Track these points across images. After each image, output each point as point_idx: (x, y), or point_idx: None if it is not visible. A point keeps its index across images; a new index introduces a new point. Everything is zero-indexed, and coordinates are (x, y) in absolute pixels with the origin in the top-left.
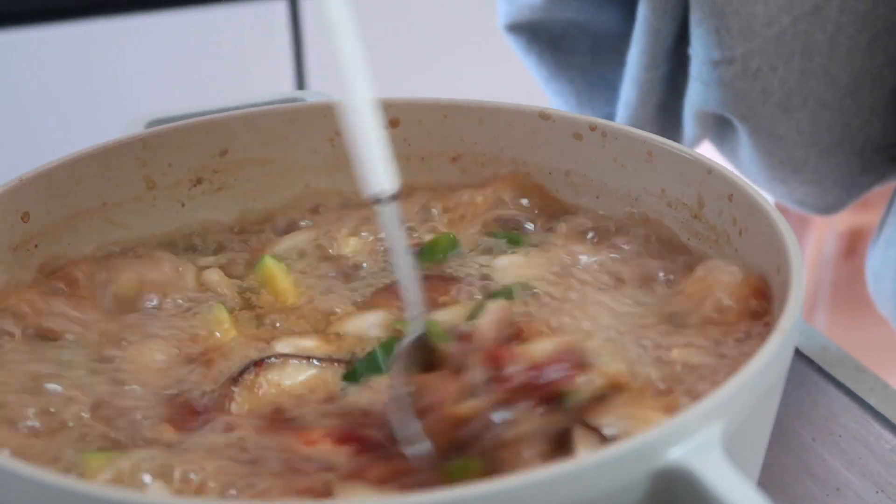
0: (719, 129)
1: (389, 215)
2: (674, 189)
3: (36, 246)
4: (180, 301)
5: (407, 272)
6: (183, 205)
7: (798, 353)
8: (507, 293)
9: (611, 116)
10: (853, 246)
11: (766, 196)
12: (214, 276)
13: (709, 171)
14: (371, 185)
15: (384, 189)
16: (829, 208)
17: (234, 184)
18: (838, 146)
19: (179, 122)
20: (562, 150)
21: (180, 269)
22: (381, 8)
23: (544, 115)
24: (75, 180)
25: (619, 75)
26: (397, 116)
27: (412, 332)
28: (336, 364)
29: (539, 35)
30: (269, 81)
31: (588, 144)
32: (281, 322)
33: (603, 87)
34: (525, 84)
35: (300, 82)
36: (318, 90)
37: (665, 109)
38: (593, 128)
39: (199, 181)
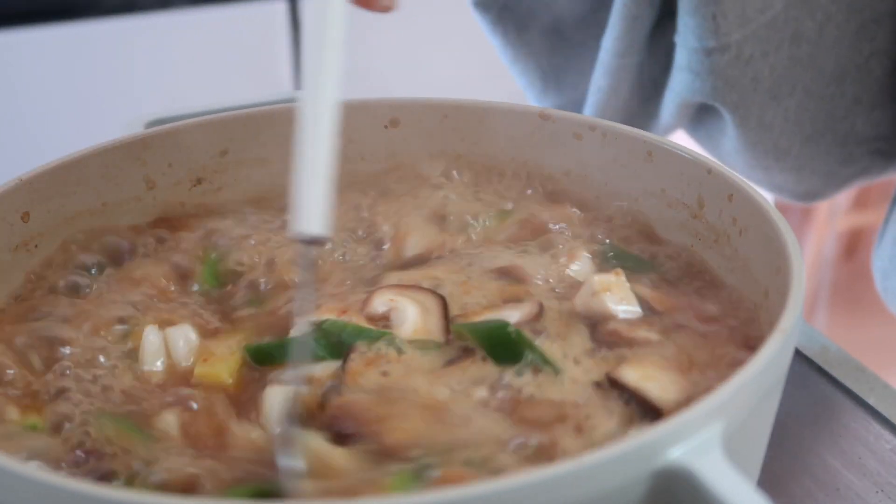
0: (697, 117)
1: (308, 257)
2: (674, 189)
3: (36, 246)
4: None
5: (304, 321)
6: (183, 205)
7: (798, 353)
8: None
9: (577, 101)
10: (853, 246)
11: (766, 195)
12: None
13: (709, 171)
14: (303, 222)
15: (316, 232)
16: (807, 196)
17: (234, 184)
18: (821, 135)
19: (179, 122)
20: (562, 150)
21: None
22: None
23: (544, 115)
24: (75, 180)
25: (584, 59)
26: (397, 116)
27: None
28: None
29: (505, 14)
30: (269, 81)
31: (588, 144)
32: None
33: (569, 70)
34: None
35: (300, 82)
36: None
37: (634, 97)
38: (593, 128)
39: (199, 181)
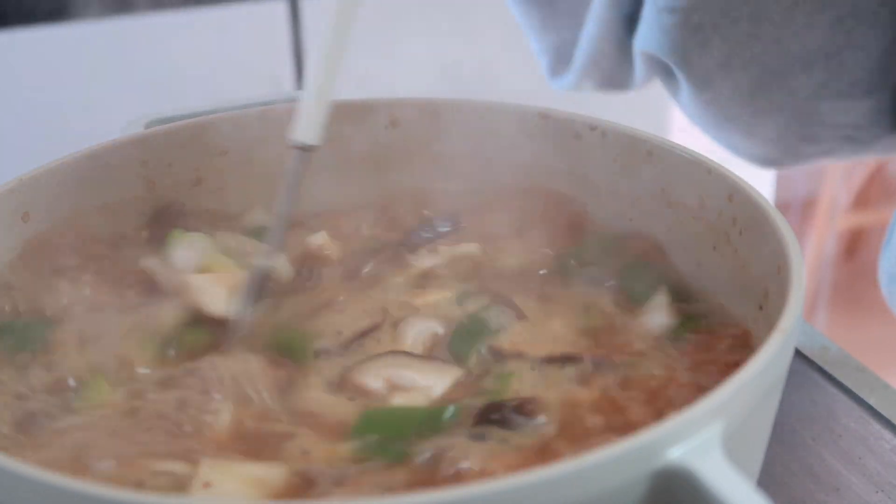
0: (665, 69)
1: (298, 164)
2: (674, 189)
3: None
4: None
5: (280, 213)
6: (183, 205)
7: (798, 353)
8: None
9: (570, 42)
10: (853, 246)
11: (764, 193)
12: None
13: (709, 171)
14: (300, 132)
15: (310, 141)
16: (764, 162)
17: (235, 183)
18: (778, 111)
19: (179, 122)
20: (562, 150)
21: None
22: (381, 7)
23: (544, 115)
24: (75, 180)
25: (584, 2)
26: (397, 116)
27: (261, 265)
28: None
29: None
30: (269, 81)
31: (588, 144)
32: None
33: (567, 12)
34: (525, 83)
35: (300, 82)
36: None
37: (624, 47)
38: (593, 128)
39: (199, 181)
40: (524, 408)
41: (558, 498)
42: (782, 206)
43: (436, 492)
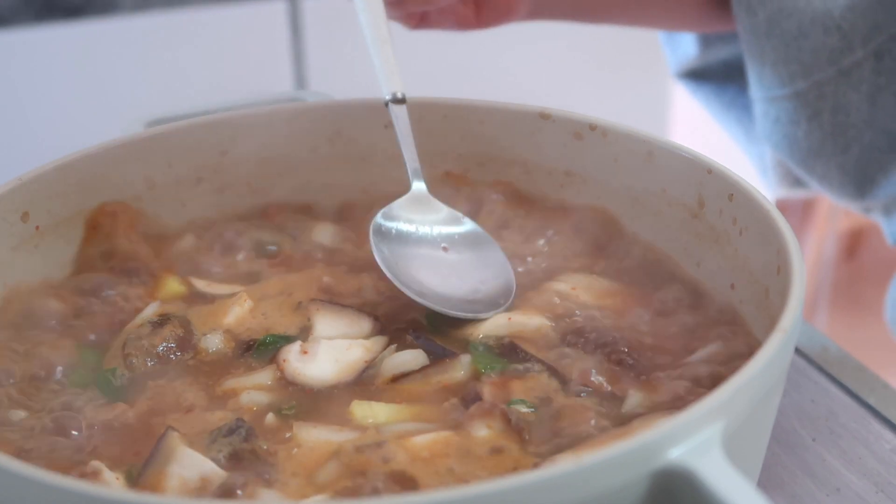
0: None
1: (400, 114)
2: (674, 189)
3: (36, 246)
4: None
5: (410, 152)
6: (184, 204)
7: (798, 353)
8: None
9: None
10: (853, 246)
11: (767, 195)
12: None
13: (709, 170)
14: (387, 86)
15: (396, 91)
16: None
17: (235, 183)
18: None
19: (179, 122)
20: (562, 150)
21: None
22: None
23: (544, 115)
24: (75, 180)
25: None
26: None
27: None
28: None
29: (703, 79)
30: (269, 81)
31: (588, 144)
32: None
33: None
34: (524, 83)
35: (300, 82)
36: (318, 90)
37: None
38: (593, 128)
39: (199, 181)
40: None
41: (559, 498)
42: (782, 205)
43: (436, 492)
